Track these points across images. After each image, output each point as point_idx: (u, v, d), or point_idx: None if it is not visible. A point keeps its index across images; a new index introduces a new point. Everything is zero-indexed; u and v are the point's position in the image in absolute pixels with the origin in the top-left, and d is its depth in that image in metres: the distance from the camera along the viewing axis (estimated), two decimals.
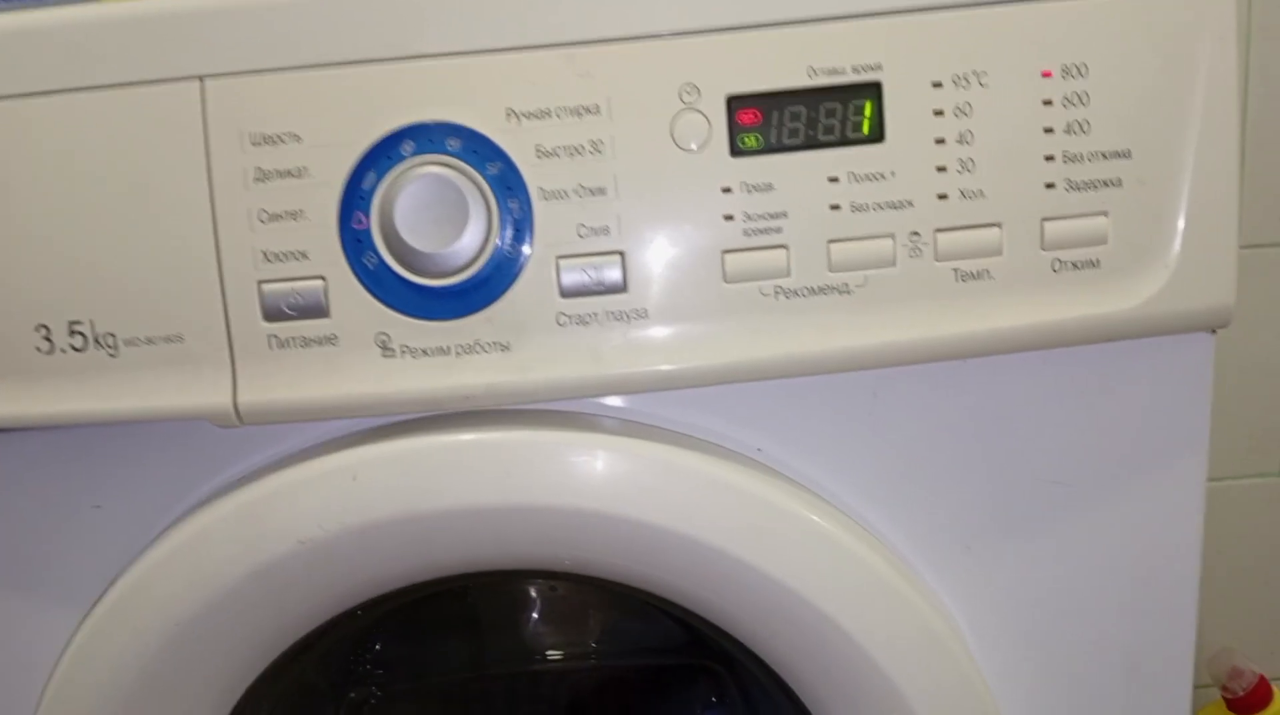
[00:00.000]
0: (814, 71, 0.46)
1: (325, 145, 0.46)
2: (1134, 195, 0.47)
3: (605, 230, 0.46)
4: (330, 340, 0.46)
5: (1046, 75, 0.46)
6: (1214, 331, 0.50)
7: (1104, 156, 0.47)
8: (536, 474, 0.47)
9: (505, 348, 0.46)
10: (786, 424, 0.50)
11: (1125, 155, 0.47)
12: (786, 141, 0.46)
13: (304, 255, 0.46)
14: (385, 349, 0.46)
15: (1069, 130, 0.47)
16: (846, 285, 0.47)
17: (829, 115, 0.46)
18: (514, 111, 0.46)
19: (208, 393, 0.47)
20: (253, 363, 0.47)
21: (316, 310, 0.46)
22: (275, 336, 0.46)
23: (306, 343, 0.46)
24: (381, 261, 0.45)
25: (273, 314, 0.46)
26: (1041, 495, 0.52)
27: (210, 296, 0.46)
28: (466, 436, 0.47)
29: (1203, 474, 0.52)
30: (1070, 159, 0.47)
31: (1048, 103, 0.46)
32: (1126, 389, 0.51)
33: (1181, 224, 0.47)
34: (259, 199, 0.46)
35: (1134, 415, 0.51)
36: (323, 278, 0.46)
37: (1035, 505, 0.52)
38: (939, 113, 0.46)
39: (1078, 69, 0.46)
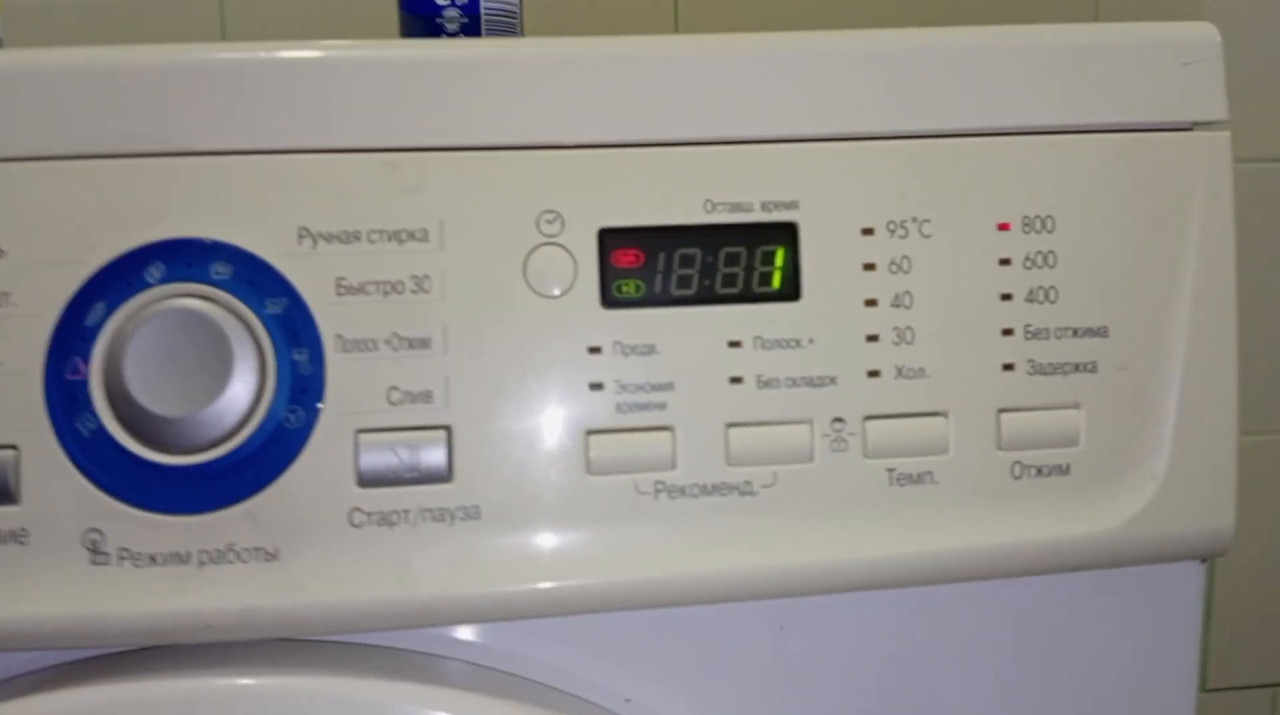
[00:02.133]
0: (712, 205, 0.35)
1: (37, 263, 0.33)
2: (1111, 384, 0.37)
3: (427, 396, 0.34)
4: (18, 536, 0.32)
5: (1004, 228, 0.37)
6: (1204, 561, 0.40)
7: (1074, 333, 0.37)
8: None
9: (272, 556, 0.33)
10: (665, 666, 0.37)
11: (1101, 333, 0.37)
12: (675, 292, 0.35)
13: None
14: (96, 552, 0.32)
15: (1031, 298, 0.36)
16: (750, 484, 0.35)
17: (730, 262, 0.36)
18: (309, 232, 0.34)
19: None
20: None
21: (1, 492, 0.32)
22: None
23: None
24: (100, 427, 0.32)
25: None
26: None
27: None
28: (206, 682, 0.33)
29: None
30: (1033, 335, 0.36)
31: (1005, 262, 0.36)
32: (1098, 632, 0.40)
33: (1170, 424, 0.37)
34: None
35: (1104, 666, 0.40)
36: (14, 447, 0.32)
37: None
38: (869, 267, 0.36)
39: (1042, 222, 0.37)
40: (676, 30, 0.83)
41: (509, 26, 0.53)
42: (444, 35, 0.51)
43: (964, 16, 0.81)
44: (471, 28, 0.51)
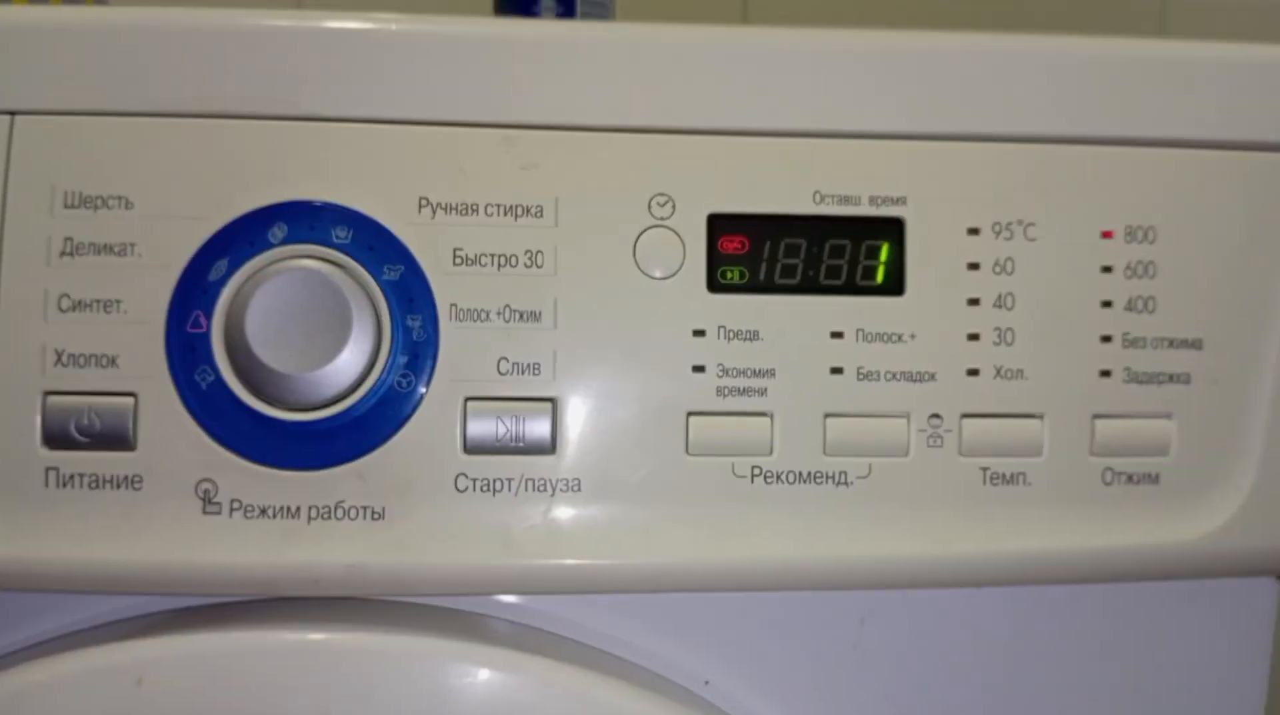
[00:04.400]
0: (821, 197, 0.36)
1: (164, 217, 0.33)
2: (1204, 397, 0.37)
3: (535, 368, 0.34)
4: (132, 482, 0.33)
5: (1107, 236, 0.37)
6: None
7: (1171, 344, 0.37)
8: (409, 697, 0.33)
9: (379, 515, 0.34)
10: (746, 651, 0.38)
11: (1196, 346, 0.37)
12: (780, 281, 0.36)
13: (112, 361, 0.33)
14: (209, 502, 0.33)
15: (1130, 307, 0.37)
16: (845, 475, 0.35)
17: (835, 254, 0.36)
18: (429, 202, 0.34)
19: None
20: (22, 504, 0.33)
21: (119, 439, 0.33)
22: (56, 470, 0.33)
23: (98, 483, 0.33)
24: (219, 379, 0.33)
25: (57, 438, 0.33)
26: None
27: None
28: (311, 636, 0.34)
29: None
30: (1131, 343, 0.37)
31: (1106, 269, 0.37)
32: (1170, 642, 0.40)
33: (1259, 439, 0.37)
34: (63, 279, 0.33)
35: (1176, 677, 0.40)
36: (133, 394, 0.33)
37: None
38: (974, 266, 0.36)
39: (1144, 232, 0.37)
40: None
41: (601, 15, 0.54)
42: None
43: (1022, 24, 0.81)
44: (566, 16, 0.52)
